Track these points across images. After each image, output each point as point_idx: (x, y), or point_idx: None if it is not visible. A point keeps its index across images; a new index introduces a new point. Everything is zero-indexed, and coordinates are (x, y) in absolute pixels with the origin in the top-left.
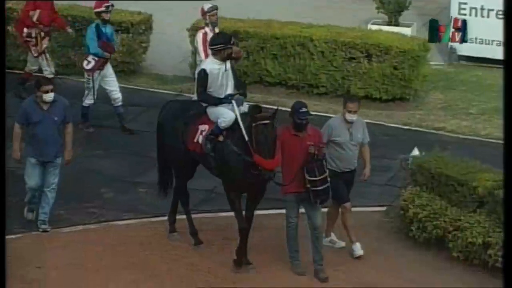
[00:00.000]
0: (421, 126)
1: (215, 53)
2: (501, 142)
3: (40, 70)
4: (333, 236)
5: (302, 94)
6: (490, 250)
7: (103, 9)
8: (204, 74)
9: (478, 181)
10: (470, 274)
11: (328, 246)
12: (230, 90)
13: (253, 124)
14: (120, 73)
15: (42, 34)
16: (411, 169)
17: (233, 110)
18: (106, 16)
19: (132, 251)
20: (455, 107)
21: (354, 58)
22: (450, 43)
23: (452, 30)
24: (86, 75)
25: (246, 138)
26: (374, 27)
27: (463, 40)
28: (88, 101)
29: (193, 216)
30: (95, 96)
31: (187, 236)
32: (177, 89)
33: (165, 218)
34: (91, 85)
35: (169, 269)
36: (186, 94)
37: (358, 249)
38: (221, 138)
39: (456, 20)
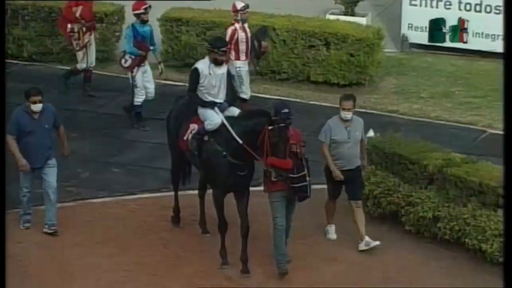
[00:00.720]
0: (376, 109)
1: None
2: (448, 123)
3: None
4: (331, 230)
5: (265, 80)
6: (440, 223)
7: (142, 11)
8: (194, 72)
9: (428, 160)
10: (421, 246)
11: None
12: (223, 93)
13: (269, 127)
14: (95, 60)
15: (84, 29)
16: (366, 149)
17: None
18: (145, 17)
19: (107, 227)
20: (407, 91)
21: (313, 46)
22: (402, 32)
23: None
24: (129, 74)
25: (240, 141)
26: (332, 17)
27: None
28: (138, 99)
29: (163, 194)
30: (142, 93)
31: (158, 212)
32: None
33: (138, 196)
34: (135, 83)
35: (142, 243)
36: (157, 80)
37: (362, 246)
38: (205, 138)
39: (463, 21)
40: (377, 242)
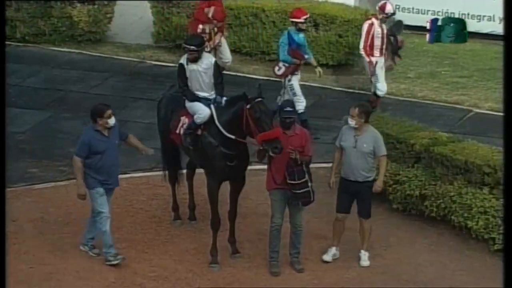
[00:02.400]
0: (364, 89)
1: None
2: (434, 103)
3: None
4: (334, 251)
5: (255, 61)
6: (426, 201)
7: (302, 20)
8: (180, 67)
9: (415, 139)
10: (409, 223)
11: None
12: (207, 87)
13: (247, 107)
14: (87, 42)
15: (215, 29)
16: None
17: (209, 107)
18: (302, 26)
19: None
20: (395, 72)
21: None
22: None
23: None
24: (287, 82)
25: (222, 129)
26: None
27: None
28: (300, 106)
29: (155, 173)
30: (303, 100)
31: (150, 191)
32: (140, 57)
33: (130, 175)
34: (293, 91)
35: (134, 221)
36: (148, 61)
37: (364, 259)
38: (199, 132)
39: None
40: (367, 264)
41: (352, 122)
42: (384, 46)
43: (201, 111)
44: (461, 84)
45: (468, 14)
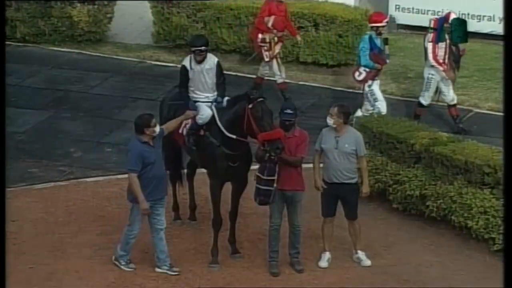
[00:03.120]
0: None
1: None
2: (435, 103)
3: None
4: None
5: (255, 61)
6: (426, 201)
7: (383, 24)
8: (183, 70)
9: (415, 139)
10: (409, 223)
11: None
12: (209, 88)
13: (249, 106)
14: (87, 42)
15: (276, 39)
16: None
17: (211, 108)
18: (383, 30)
19: (100, 206)
20: (395, 72)
21: (302, 27)
22: (389, 13)
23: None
24: (367, 88)
25: (225, 132)
26: None
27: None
28: (382, 109)
29: None
30: (384, 105)
31: None
32: (140, 57)
33: None
34: (374, 96)
35: None
36: (148, 61)
37: (363, 259)
38: (201, 132)
39: None
40: (368, 263)
41: (330, 121)
42: (446, 56)
43: (203, 112)
44: (461, 84)
45: (468, 14)
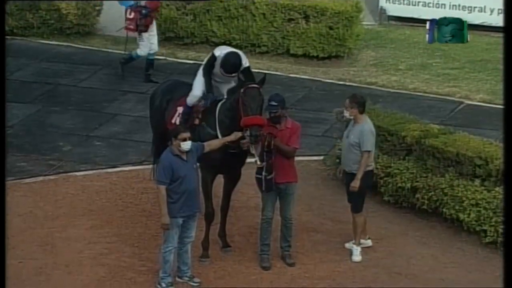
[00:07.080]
0: (355, 81)
1: None
2: (426, 95)
3: None
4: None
5: (245, 53)
6: (418, 193)
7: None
8: (212, 57)
9: (406, 131)
10: (400, 215)
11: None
12: (226, 86)
13: (242, 90)
14: (76, 34)
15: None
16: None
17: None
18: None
19: (89, 200)
20: (386, 64)
21: (293, 19)
22: (380, 5)
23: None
24: None
25: (223, 121)
26: None
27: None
28: None
29: (144, 167)
30: None
31: (140, 184)
32: (129, 49)
33: (119, 168)
34: None
35: (124, 215)
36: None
37: (355, 254)
38: (196, 121)
39: None
40: (358, 259)
41: (346, 113)
42: None
43: (194, 92)
44: (452, 76)
45: (459, 6)
